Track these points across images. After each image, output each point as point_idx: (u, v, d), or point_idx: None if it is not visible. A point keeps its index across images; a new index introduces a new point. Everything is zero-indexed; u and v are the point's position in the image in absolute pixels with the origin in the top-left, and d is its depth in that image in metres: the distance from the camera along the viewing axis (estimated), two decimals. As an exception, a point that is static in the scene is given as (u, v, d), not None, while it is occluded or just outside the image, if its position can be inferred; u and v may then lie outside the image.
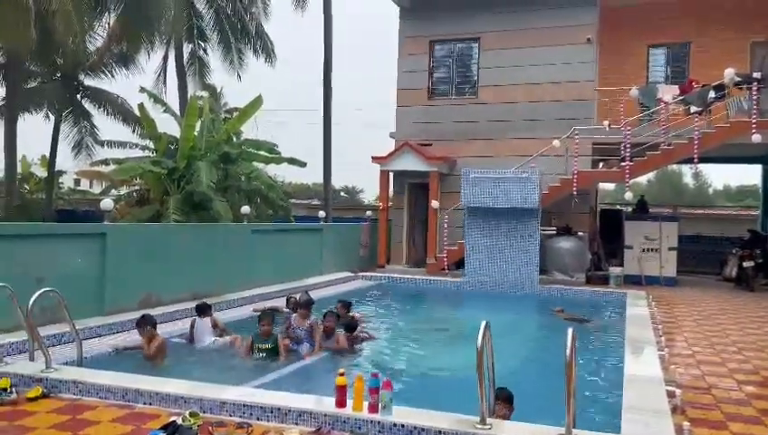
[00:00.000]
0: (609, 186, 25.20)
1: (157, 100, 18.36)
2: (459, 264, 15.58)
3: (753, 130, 13.75)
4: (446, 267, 15.91)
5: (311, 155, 21.13)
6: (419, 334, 10.17)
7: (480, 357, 4.34)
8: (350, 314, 9.80)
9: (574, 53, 16.51)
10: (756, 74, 14.11)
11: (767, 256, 16.12)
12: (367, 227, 17.69)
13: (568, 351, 4.23)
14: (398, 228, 18.00)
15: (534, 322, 11.58)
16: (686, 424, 4.77)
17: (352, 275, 15.53)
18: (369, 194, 56.18)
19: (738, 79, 14.10)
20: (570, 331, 4.32)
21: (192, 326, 8.44)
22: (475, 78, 17.66)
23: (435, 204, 16.57)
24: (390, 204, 17.96)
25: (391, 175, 17.70)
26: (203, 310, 8.55)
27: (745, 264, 14.99)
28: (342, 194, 59.05)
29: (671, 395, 5.59)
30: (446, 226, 16.13)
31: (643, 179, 42.26)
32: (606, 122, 15.12)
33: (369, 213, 18.54)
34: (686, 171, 51.15)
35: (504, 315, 11.42)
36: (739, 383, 6.45)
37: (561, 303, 12.67)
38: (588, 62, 16.52)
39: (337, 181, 56.42)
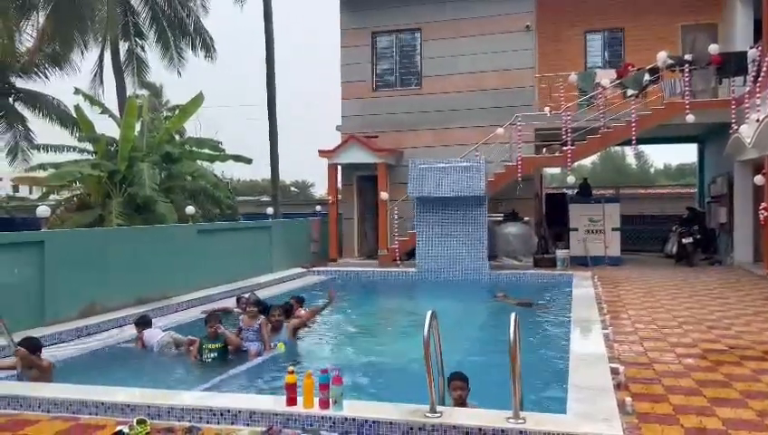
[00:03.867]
0: (555, 170, 25.79)
1: (93, 101, 17.78)
2: (411, 254, 15.69)
3: (687, 111, 14.26)
4: (398, 258, 15.99)
5: (260, 151, 20.93)
6: (371, 326, 10.22)
7: (427, 347, 4.38)
8: (303, 309, 9.76)
9: (514, 40, 16.76)
10: (687, 56, 14.64)
11: (705, 232, 16.81)
12: (317, 222, 17.62)
13: (511, 335, 4.32)
14: (349, 221, 17.99)
15: (484, 308, 11.75)
16: (628, 399, 4.93)
17: (304, 270, 15.45)
18: (321, 188, 55.96)
19: (671, 62, 14.59)
20: (512, 316, 4.40)
21: (139, 337, 8.19)
22: (419, 69, 17.74)
23: (384, 195, 16.61)
24: (340, 197, 17.92)
25: (339, 168, 17.65)
26: (144, 324, 8.26)
27: (684, 240, 15.57)
28: (293, 189, 58.57)
29: (615, 372, 5.76)
30: (396, 217, 16.20)
31: (587, 162, 43.30)
32: (547, 108, 15.41)
33: (318, 207, 18.51)
34: (629, 152, 52.76)
35: (454, 303, 11.57)
36: (679, 357, 6.69)
37: (510, 287, 12.89)
38: (527, 49, 16.79)
39: (288, 176, 55.97)
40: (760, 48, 13.57)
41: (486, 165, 14.77)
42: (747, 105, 13.81)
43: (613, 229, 16.10)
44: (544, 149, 16.71)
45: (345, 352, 8.51)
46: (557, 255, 15.46)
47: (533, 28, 16.91)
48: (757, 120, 12.60)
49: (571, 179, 15.56)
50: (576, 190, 18.91)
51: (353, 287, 14.15)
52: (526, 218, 16.29)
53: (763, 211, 12.90)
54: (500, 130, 15.50)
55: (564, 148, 15.13)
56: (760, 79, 13.03)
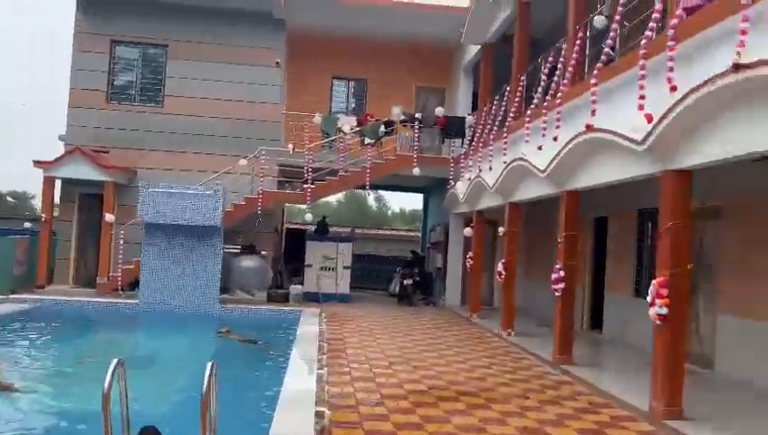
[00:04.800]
0: (301, 205, 26.29)
1: None
2: (135, 284, 14.46)
3: (415, 164, 15.58)
4: (119, 288, 14.64)
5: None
6: (73, 371, 8.96)
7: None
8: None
9: (264, 74, 16.77)
10: (418, 115, 16.08)
11: (424, 274, 18.39)
12: (24, 241, 15.37)
13: (204, 385, 4.01)
14: (66, 243, 16.03)
15: (207, 344, 11.21)
16: (326, 447, 4.93)
17: (2, 297, 13.27)
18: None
19: (403, 117, 15.87)
20: (209, 365, 4.11)
21: None
22: (161, 86, 16.75)
23: (109, 217, 15.14)
24: (57, 215, 15.92)
25: (58, 183, 15.72)
26: None
27: (405, 282, 16.84)
28: (10, 199, 51.05)
29: (320, 416, 5.77)
30: (121, 242, 14.86)
31: (333, 199, 45.14)
32: (290, 145, 15.63)
33: (27, 224, 16.19)
34: (371, 194, 56.53)
35: (176, 339, 10.85)
36: (384, 398, 7.00)
37: (240, 322, 12.55)
38: (276, 84, 16.93)
39: (6, 185, 48.70)
40: (475, 116, 15.47)
41: (226, 195, 14.37)
42: (462, 165, 15.59)
43: (345, 267, 16.78)
44: (287, 185, 16.89)
45: (35, 405, 7.26)
46: (290, 290, 15.57)
47: (283, 65, 17.13)
48: (469, 180, 14.25)
49: (309, 217, 15.89)
50: (314, 228, 19.38)
51: (60, 320, 12.48)
52: (264, 252, 16.18)
53: (469, 260, 14.53)
54: (243, 161, 15.27)
55: (305, 186, 15.43)
56: (472, 144, 14.80)
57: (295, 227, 22.06)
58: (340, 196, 41.46)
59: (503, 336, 11.63)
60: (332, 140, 16.18)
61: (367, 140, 15.99)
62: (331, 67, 19.00)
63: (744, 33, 5.07)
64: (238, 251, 15.90)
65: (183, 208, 13.52)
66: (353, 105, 19.35)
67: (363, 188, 16.04)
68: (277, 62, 16.79)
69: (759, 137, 5.17)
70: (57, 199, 16.19)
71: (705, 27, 5.84)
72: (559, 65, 9.96)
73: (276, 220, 17.81)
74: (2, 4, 49.92)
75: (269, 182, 15.76)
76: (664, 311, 6.33)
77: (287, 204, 20.06)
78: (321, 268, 16.66)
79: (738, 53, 5.02)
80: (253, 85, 16.71)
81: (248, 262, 15.67)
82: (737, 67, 4.99)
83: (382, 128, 15.86)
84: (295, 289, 15.57)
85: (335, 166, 15.89)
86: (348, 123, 16.20)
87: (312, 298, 16.01)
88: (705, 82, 5.45)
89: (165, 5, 16.46)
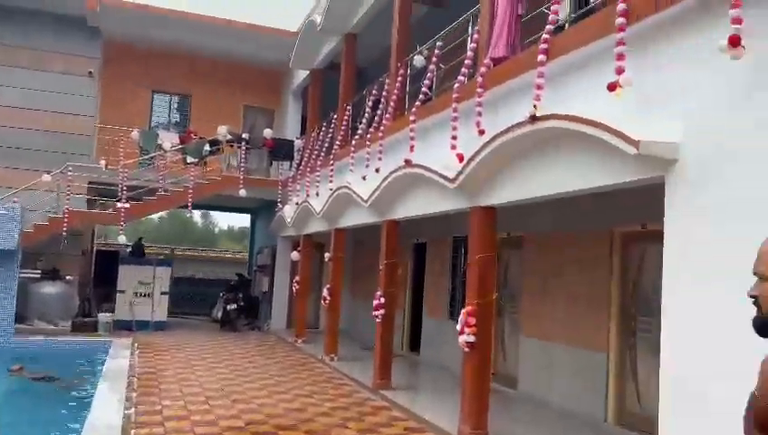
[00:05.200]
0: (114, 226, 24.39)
1: None
2: None
3: (241, 186, 15.20)
4: None
5: None
6: None
7: None
8: None
9: (74, 84, 15.45)
10: (245, 135, 15.75)
11: (250, 298, 17.95)
12: None
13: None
14: None
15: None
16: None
17: None
18: None
19: (230, 137, 15.45)
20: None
21: None
22: (-48, 91, 14.76)
23: None
24: None
25: None
26: None
27: (229, 307, 16.31)
28: None
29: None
30: None
31: (155, 216, 42.59)
32: (103, 162, 14.48)
33: None
34: (196, 211, 54.19)
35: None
36: (197, 438, 6.66)
37: (39, 356, 11.30)
38: (88, 96, 15.67)
39: None
40: (304, 140, 15.52)
41: (25, 214, 12.93)
42: (291, 188, 15.53)
43: (162, 293, 15.85)
44: (98, 204, 15.61)
45: None
46: (99, 319, 14.36)
47: (97, 75, 15.92)
48: (297, 204, 14.22)
49: (122, 239, 14.78)
50: (130, 250, 18.10)
51: None
52: (69, 277, 14.77)
53: (295, 284, 14.45)
54: (46, 177, 13.82)
55: (119, 205, 14.35)
56: (300, 168, 14.82)
57: (108, 248, 20.42)
58: (162, 212, 39.25)
59: (326, 362, 11.67)
60: (151, 158, 15.29)
61: (189, 159, 15.30)
62: (153, 80, 17.96)
63: (539, 87, 5.61)
64: (38, 276, 14.36)
65: (-30, 229, 11.94)
66: (176, 121, 18.46)
67: (185, 207, 15.33)
68: (90, 72, 15.55)
69: (548, 183, 5.74)
70: None
71: (508, 78, 6.39)
72: (382, 99, 10.33)
73: (85, 242, 16.36)
74: None
75: (77, 201, 14.46)
76: (472, 339, 6.74)
77: (99, 224, 18.55)
78: (136, 294, 15.58)
79: (535, 106, 5.53)
80: (63, 95, 15.31)
81: (50, 288, 14.23)
82: (533, 119, 5.50)
83: (207, 147, 15.29)
84: (105, 317, 14.38)
85: (154, 185, 15.01)
86: (169, 140, 15.40)
87: (124, 326, 14.90)
88: (508, 130, 5.93)
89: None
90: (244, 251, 33.06)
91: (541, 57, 5.61)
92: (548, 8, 5.93)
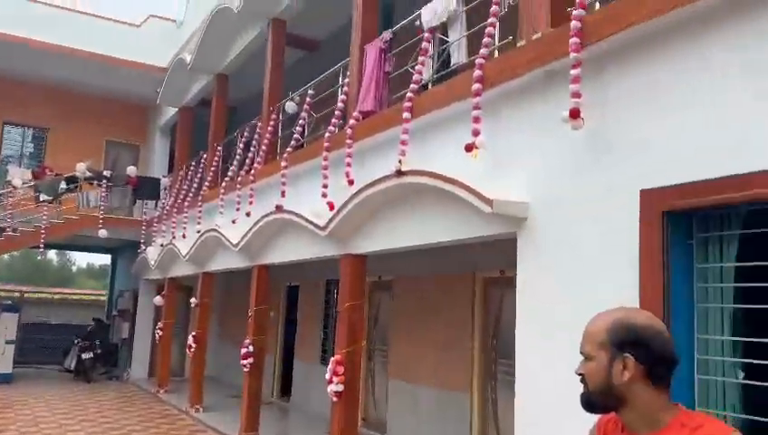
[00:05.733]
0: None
1: None
2: None
3: (101, 225, 14.30)
4: None
5: None
6: None
7: None
8: None
9: None
10: (107, 172, 14.91)
11: (108, 345, 16.79)
12: None
13: None
14: None
15: None
16: None
17: None
18: None
19: (90, 174, 14.55)
20: None
21: None
22: None
23: None
24: None
25: None
26: None
27: (84, 355, 15.13)
28: None
29: None
30: None
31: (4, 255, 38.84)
32: (-60, 199, 13.14)
33: None
34: (45, 256, 50.17)
35: None
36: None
37: None
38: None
39: None
40: (170, 179, 14.97)
41: None
42: (155, 229, 14.85)
43: (7, 342, 14.42)
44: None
45: None
46: (-71, 374, 12.79)
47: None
48: (161, 245, 13.61)
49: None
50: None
51: None
52: None
53: (159, 330, 13.73)
54: None
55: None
56: (167, 208, 14.25)
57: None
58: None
59: (190, 413, 11.13)
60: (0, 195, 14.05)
61: (43, 197, 14.22)
62: (4, 110, 16.62)
63: (404, 143, 5.84)
64: None
65: None
66: (29, 155, 17.14)
67: (37, 248, 14.16)
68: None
69: (414, 233, 5.96)
70: None
71: (376, 132, 6.60)
72: (254, 142, 10.25)
73: None
74: None
75: None
76: (340, 388, 6.74)
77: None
78: (-24, 344, 14.07)
79: (400, 161, 5.75)
80: None
81: None
82: (399, 173, 5.71)
83: (63, 184, 14.29)
84: (-63, 372, 12.86)
85: (2, 224, 13.77)
86: (20, 176, 14.29)
87: (-40, 381, 13.38)
88: (375, 182, 6.11)
89: None
90: (101, 293, 30.97)
91: (405, 114, 5.87)
92: (413, 67, 6.24)
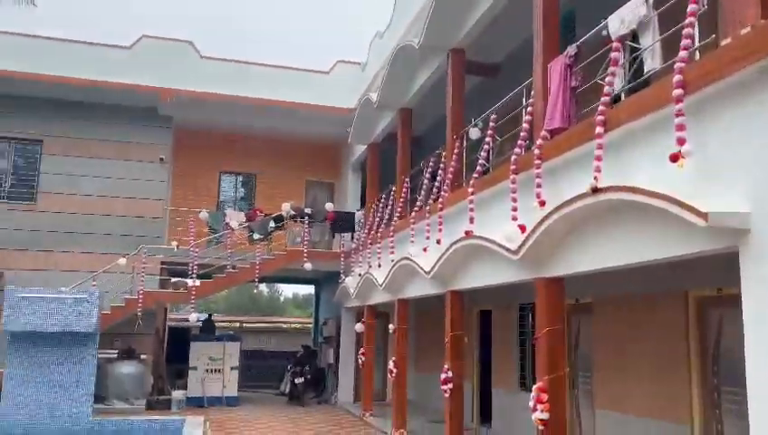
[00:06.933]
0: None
1: None
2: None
3: (305, 259, 15.50)
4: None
5: None
6: None
7: None
8: None
9: (147, 170, 16.41)
10: (308, 210, 16.17)
11: (316, 370, 17.97)
12: None
13: None
14: None
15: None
16: None
17: None
18: None
19: (293, 213, 15.89)
20: None
21: None
22: (35, 183, 15.89)
23: (-32, 325, 13.74)
24: None
25: None
26: None
27: (297, 380, 16.34)
28: None
29: None
30: (-18, 351, 13.45)
31: (220, 290, 43.47)
32: (174, 243, 15.13)
33: None
34: (259, 288, 55.40)
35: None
36: None
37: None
38: (160, 180, 16.56)
39: None
40: (363, 212, 15.78)
41: (102, 297, 13.52)
42: (353, 260, 15.71)
43: (232, 368, 16.08)
44: (173, 280, 16.21)
45: None
46: (172, 396, 14.65)
47: (168, 160, 16.84)
48: (359, 274, 14.34)
49: (193, 317, 15.23)
50: (200, 326, 18.56)
51: None
52: (143, 356, 15.21)
53: (361, 356, 14.40)
54: (122, 260, 14.56)
55: (190, 284, 14.87)
56: (361, 240, 15.02)
57: (179, 325, 20.97)
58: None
59: (395, 437, 11.46)
60: (220, 236, 15.86)
61: (256, 236, 15.80)
62: (220, 162, 18.84)
63: (599, 159, 5.60)
64: (115, 356, 14.85)
65: (55, 314, 12.53)
66: (240, 199, 19.17)
67: (252, 282, 15.74)
68: (161, 158, 16.48)
69: (617, 252, 5.63)
70: None
71: (566, 150, 6.40)
72: (440, 170, 10.47)
73: (157, 320, 16.88)
74: None
75: (150, 281, 15.06)
76: (545, 416, 6.53)
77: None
78: (207, 370, 15.87)
79: (595, 178, 5.51)
80: (135, 181, 16.28)
81: (126, 368, 14.65)
82: (595, 190, 5.47)
83: (272, 223, 15.77)
84: (178, 394, 14.67)
85: (222, 262, 15.52)
86: (236, 218, 15.99)
87: (196, 403, 15.15)
88: (569, 201, 5.91)
89: (39, 101, 15.91)
90: (307, 321, 33.29)
91: (598, 129, 5.62)
92: (602, 79, 5.98)
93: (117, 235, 15.79)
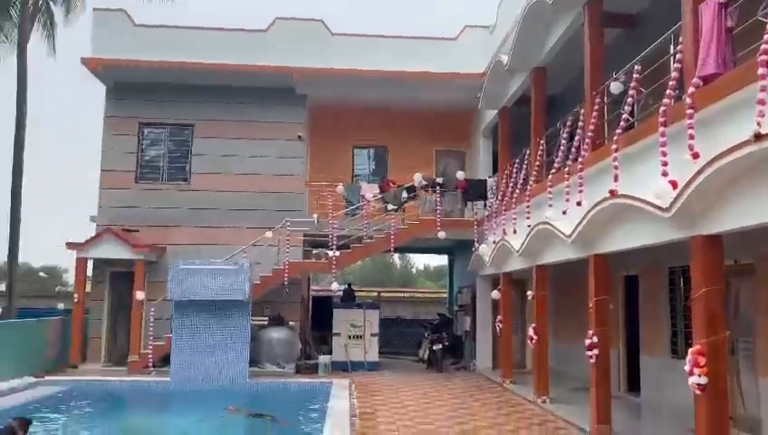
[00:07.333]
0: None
1: None
2: (167, 359, 14.47)
3: (438, 228, 15.63)
4: (150, 365, 14.67)
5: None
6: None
7: None
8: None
9: (286, 147, 17.22)
10: (439, 179, 16.24)
11: (453, 338, 18.15)
12: (56, 322, 15.57)
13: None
14: (97, 322, 16.24)
15: (216, 423, 11.07)
16: None
17: (35, 380, 13.37)
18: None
19: (425, 183, 16.04)
20: None
21: None
22: (188, 164, 17.26)
23: (140, 295, 15.36)
24: (88, 292, 16.19)
25: (90, 262, 16.05)
26: None
27: (435, 347, 16.61)
28: (42, 274, 51.89)
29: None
30: (152, 319, 14.98)
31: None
32: (315, 215, 15.85)
33: (61, 305, 16.43)
34: (394, 258, 56.76)
35: (188, 418, 10.81)
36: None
37: (269, 397, 12.48)
38: (299, 157, 17.35)
39: (37, 259, 49.84)
40: (496, 178, 15.56)
41: (253, 268, 14.50)
42: (486, 227, 15.59)
43: (372, 335, 16.66)
44: (314, 251, 17.02)
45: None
46: (319, 361, 15.47)
47: (305, 138, 17.56)
48: (494, 242, 14.23)
49: (335, 286, 15.94)
50: (341, 295, 19.36)
51: (94, 400, 12.51)
52: (291, 323, 16.17)
53: (498, 323, 14.35)
54: (269, 234, 15.50)
55: (330, 254, 15.55)
56: (495, 207, 14.85)
57: (321, 295, 22.01)
58: (364, 257, 41.53)
59: (538, 404, 11.35)
60: (356, 208, 16.37)
61: (390, 207, 16.15)
62: (352, 137, 19.38)
63: (762, 102, 5.12)
64: (266, 323, 15.92)
65: (211, 284, 13.66)
66: (373, 172, 19.60)
67: (388, 252, 16.14)
68: (299, 136, 17.23)
69: (787, 204, 5.15)
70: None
71: (722, 97, 5.91)
72: (578, 130, 10.06)
73: (302, 289, 17.85)
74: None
75: (294, 252, 15.91)
76: (703, 380, 6.17)
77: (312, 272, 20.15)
78: (349, 336, 16.57)
79: (758, 123, 5.05)
80: (277, 159, 17.17)
81: (276, 334, 15.65)
82: (758, 137, 5.02)
83: (404, 193, 16.04)
84: (324, 359, 15.48)
85: (359, 233, 16.04)
86: (370, 191, 16.43)
87: (340, 367, 15.87)
88: (728, 151, 5.47)
89: (190, 87, 17.15)
90: (440, 290, 33.65)
91: (761, 70, 5.14)
92: (765, 16, 5.44)
93: (262, 210, 16.78)
